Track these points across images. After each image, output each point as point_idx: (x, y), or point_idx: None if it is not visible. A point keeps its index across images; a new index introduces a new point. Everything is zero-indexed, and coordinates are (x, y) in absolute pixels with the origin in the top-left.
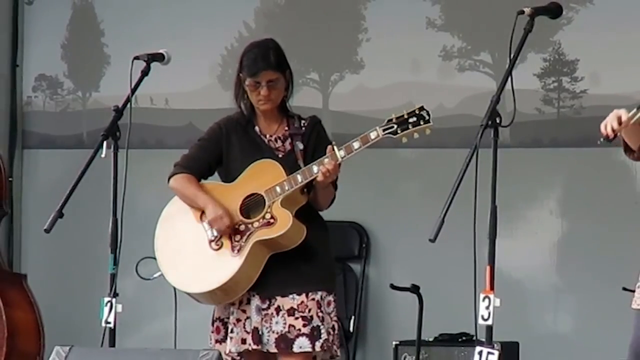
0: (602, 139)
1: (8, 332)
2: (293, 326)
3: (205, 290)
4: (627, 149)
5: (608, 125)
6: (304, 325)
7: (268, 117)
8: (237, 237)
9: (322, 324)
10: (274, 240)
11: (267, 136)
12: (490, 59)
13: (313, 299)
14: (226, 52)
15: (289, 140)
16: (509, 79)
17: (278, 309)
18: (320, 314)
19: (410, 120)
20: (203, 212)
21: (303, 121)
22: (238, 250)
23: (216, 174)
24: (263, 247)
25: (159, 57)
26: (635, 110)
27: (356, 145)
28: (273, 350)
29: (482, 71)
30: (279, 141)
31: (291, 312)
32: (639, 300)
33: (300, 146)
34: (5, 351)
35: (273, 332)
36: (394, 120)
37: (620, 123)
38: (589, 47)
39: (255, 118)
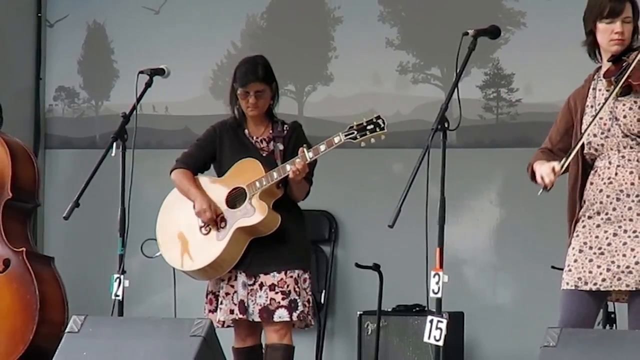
0: (541, 190)
1: (40, 304)
2: (274, 299)
3: (195, 269)
4: (534, 179)
5: (546, 178)
6: (283, 299)
7: (256, 122)
8: (222, 224)
9: (299, 298)
10: (252, 227)
11: (254, 138)
12: (439, 73)
13: (291, 276)
14: (217, 67)
15: (272, 142)
16: (456, 90)
17: (261, 285)
18: (297, 289)
19: (368, 127)
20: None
21: (285, 125)
22: (222, 236)
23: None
24: (244, 233)
25: (160, 72)
26: (563, 160)
27: (322, 147)
28: (257, 319)
29: (433, 83)
30: (263, 142)
31: (272, 287)
32: (572, 282)
33: (280, 147)
34: (37, 320)
35: (257, 304)
36: (354, 127)
37: (554, 173)
38: (523, 63)
39: (245, 122)
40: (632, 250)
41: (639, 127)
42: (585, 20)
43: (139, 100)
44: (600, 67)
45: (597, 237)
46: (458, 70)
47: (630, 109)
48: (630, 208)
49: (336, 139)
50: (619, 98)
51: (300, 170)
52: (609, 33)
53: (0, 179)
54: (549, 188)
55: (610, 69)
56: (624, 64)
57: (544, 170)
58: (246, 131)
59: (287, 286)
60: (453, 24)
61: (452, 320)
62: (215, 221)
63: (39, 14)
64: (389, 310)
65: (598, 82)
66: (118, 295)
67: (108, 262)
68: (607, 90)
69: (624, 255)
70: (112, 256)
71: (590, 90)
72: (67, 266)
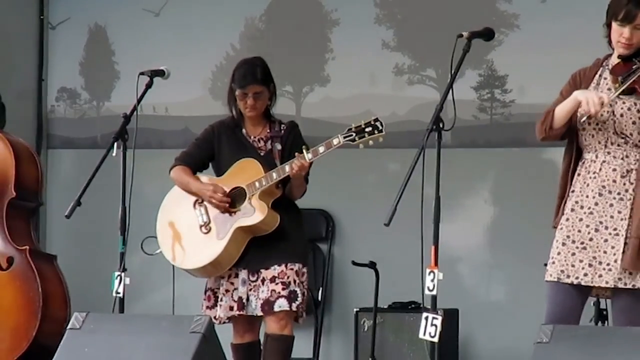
0: (586, 117)
1: (43, 301)
2: (274, 290)
3: (195, 267)
4: (550, 127)
5: (592, 107)
6: (283, 289)
7: (254, 122)
8: (223, 223)
9: (299, 289)
10: (252, 227)
11: (252, 137)
12: (434, 75)
13: (292, 269)
14: (216, 68)
15: (270, 142)
16: (450, 91)
17: (263, 280)
18: (297, 281)
19: (367, 129)
20: (196, 201)
21: (283, 125)
22: (223, 235)
23: (210, 168)
24: (243, 232)
25: (160, 73)
26: (612, 94)
27: (321, 149)
28: (259, 313)
29: (428, 85)
30: (261, 142)
31: (273, 279)
32: (555, 274)
33: (278, 147)
34: (40, 317)
35: (259, 299)
36: (353, 130)
37: (602, 105)
38: (516, 65)
39: (243, 122)
40: (612, 247)
41: (631, 129)
42: (606, 13)
43: (139, 101)
44: (611, 55)
45: (579, 231)
46: (453, 72)
47: (629, 109)
48: (611, 205)
49: (335, 141)
50: (621, 96)
51: (300, 170)
52: (618, 35)
53: (4, 179)
54: (593, 117)
55: (619, 64)
56: (633, 66)
57: (592, 97)
58: (244, 131)
59: (288, 277)
60: (448, 26)
61: (447, 317)
62: (228, 202)
63: (41, 17)
64: (385, 307)
65: (606, 69)
66: (119, 293)
67: (109, 260)
68: (612, 84)
69: (605, 252)
70: (113, 254)
71: (597, 76)
72: (69, 264)
